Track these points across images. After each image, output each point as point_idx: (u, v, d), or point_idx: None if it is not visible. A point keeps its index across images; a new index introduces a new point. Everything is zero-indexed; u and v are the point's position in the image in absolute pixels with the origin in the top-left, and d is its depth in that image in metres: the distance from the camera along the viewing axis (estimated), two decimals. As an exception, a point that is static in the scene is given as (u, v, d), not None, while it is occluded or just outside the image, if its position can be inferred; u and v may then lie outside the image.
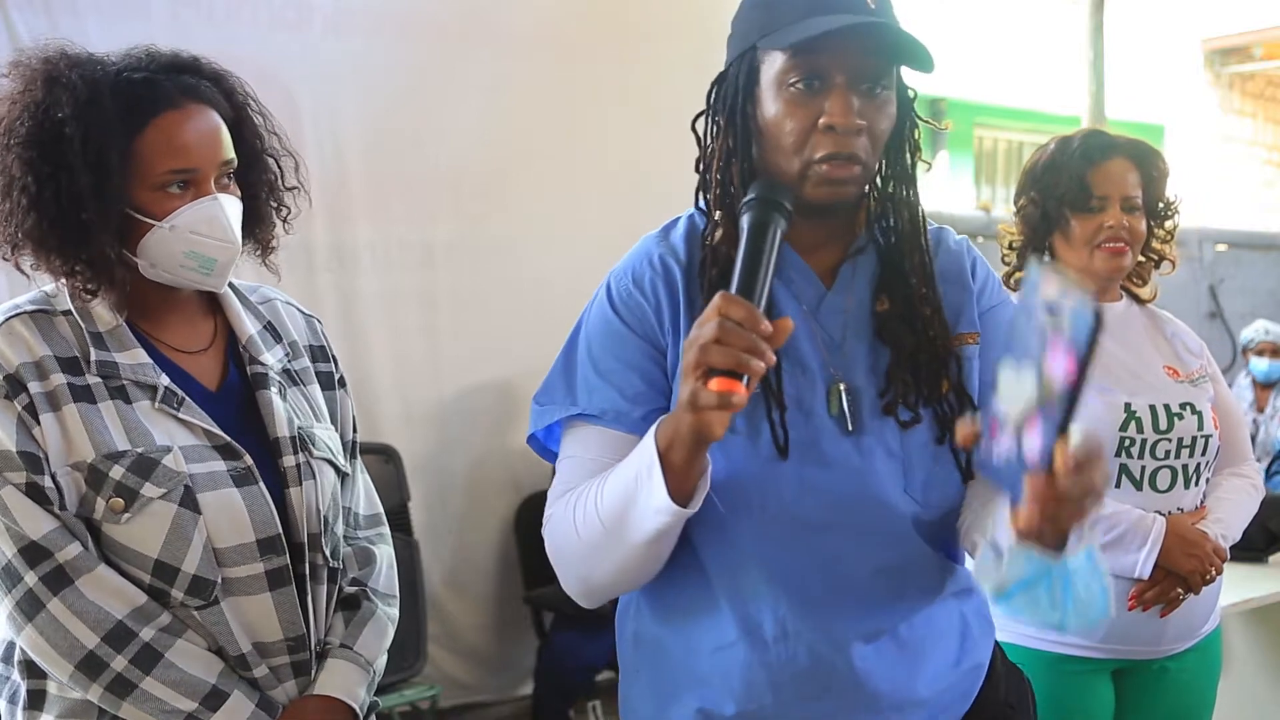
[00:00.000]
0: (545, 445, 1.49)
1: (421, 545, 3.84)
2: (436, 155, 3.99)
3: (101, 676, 1.40)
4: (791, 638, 1.32)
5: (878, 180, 1.40)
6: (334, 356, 1.71)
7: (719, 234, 1.36)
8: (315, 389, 1.65)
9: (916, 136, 1.40)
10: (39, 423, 1.41)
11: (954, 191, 9.50)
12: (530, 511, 4.15)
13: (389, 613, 1.66)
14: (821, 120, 1.27)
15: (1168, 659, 2.14)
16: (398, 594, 1.70)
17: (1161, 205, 2.21)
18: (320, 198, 3.70)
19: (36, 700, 1.46)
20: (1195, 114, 10.02)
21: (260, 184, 1.58)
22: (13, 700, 1.49)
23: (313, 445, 1.57)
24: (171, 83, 1.47)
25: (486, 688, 4.19)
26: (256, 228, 1.60)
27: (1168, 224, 2.24)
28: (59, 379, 1.43)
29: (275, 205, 1.61)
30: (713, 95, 1.38)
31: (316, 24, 3.76)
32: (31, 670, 1.46)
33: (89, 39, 3.46)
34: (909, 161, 1.40)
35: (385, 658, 1.64)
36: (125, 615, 1.41)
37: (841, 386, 1.33)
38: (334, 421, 1.66)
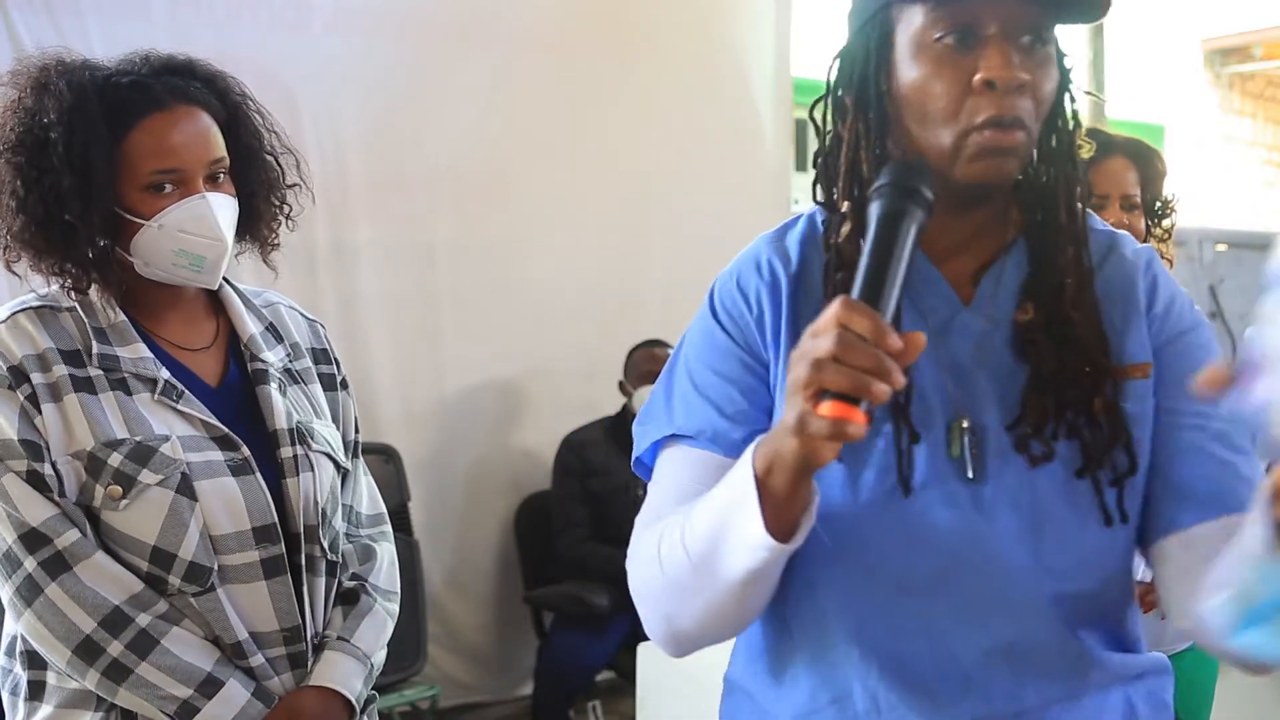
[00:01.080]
0: (651, 469, 1.26)
1: (422, 545, 3.84)
2: (436, 155, 3.99)
3: (98, 661, 1.43)
4: (885, 713, 1.12)
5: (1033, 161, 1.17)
6: (336, 360, 1.74)
7: (846, 229, 1.15)
8: (316, 388, 1.67)
9: (1076, 111, 1.18)
10: (40, 412, 1.45)
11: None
12: (530, 512, 4.15)
13: (388, 608, 1.67)
14: (978, 76, 1.06)
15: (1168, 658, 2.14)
16: (398, 591, 1.71)
17: (1159, 204, 2.22)
18: (320, 198, 3.68)
19: (36, 691, 1.49)
20: (1195, 114, 10.02)
21: (258, 182, 1.61)
22: (14, 692, 1.52)
23: (311, 439, 1.59)
24: (160, 85, 1.51)
25: (486, 688, 4.19)
26: (255, 226, 1.63)
27: (1165, 222, 2.24)
28: (61, 370, 1.47)
29: (277, 203, 1.64)
30: (833, 73, 1.18)
31: (316, 24, 3.76)
32: (32, 661, 1.49)
33: (89, 39, 3.50)
34: (1069, 138, 1.16)
35: (384, 653, 1.66)
36: (122, 601, 1.44)
37: (964, 424, 1.12)
38: (336, 421, 1.69)
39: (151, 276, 1.53)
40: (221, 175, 1.54)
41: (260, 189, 1.61)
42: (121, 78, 1.51)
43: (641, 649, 2.67)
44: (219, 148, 1.53)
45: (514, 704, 4.20)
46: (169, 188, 1.49)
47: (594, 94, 4.30)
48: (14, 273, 1.53)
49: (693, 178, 4.57)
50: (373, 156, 3.89)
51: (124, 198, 1.48)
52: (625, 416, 3.99)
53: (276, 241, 1.66)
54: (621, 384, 4.01)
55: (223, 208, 1.53)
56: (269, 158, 1.62)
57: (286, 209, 1.65)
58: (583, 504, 3.88)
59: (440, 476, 4.07)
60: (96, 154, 1.45)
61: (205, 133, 1.52)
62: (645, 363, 3.97)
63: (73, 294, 1.51)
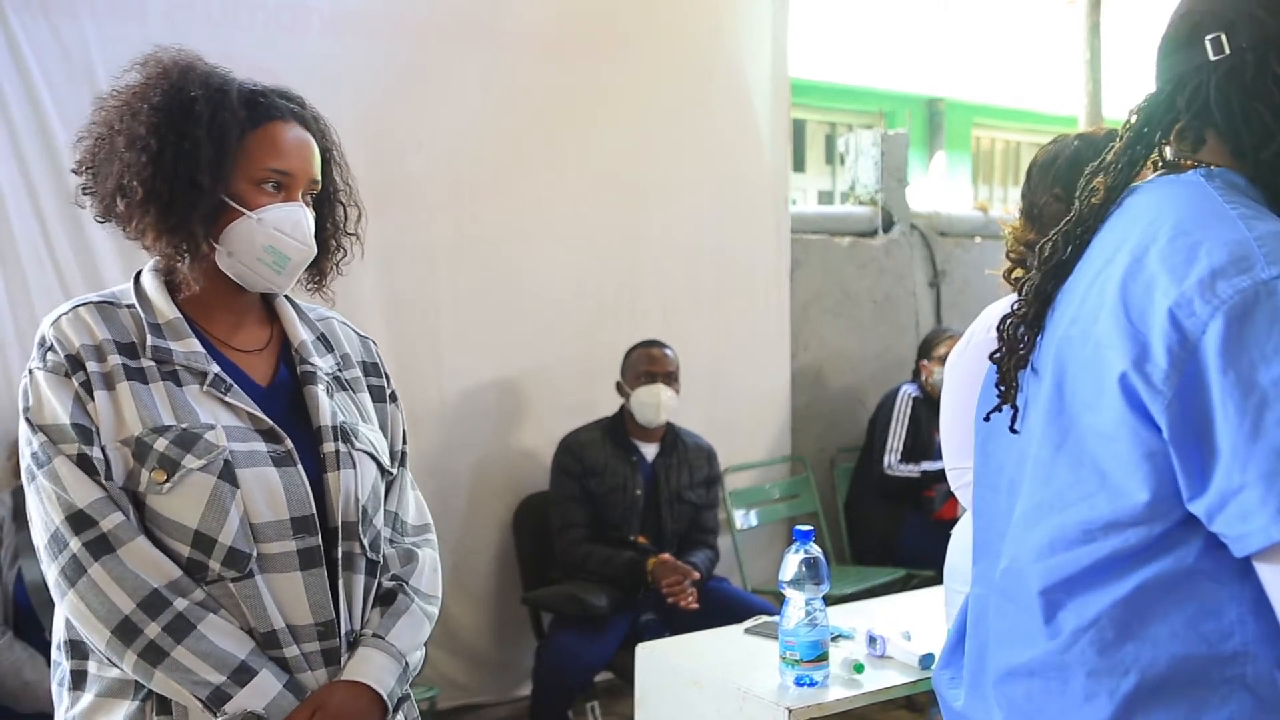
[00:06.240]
0: None
1: (420, 546, 3.84)
2: (434, 157, 3.99)
3: (136, 642, 1.47)
4: None
5: None
6: (387, 374, 1.82)
7: None
8: (365, 398, 1.75)
9: None
10: (93, 399, 1.51)
11: (951, 191, 9.50)
12: (529, 512, 4.16)
13: (427, 610, 1.71)
14: None
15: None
16: (439, 596, 1.76)
17: None
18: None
19: (78, 680, 1.55)
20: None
21: (328, 221, 1.72)
22: (60, 683, 1.58)
23: (355, 438, 1.65)
24: (285, 102, 1.65)
25: (485, 689, 4.19)
26: (320, 260, 1.73)
27: None
28: (115, 360, 1.53)
29: (336, 245, 1.75)
30: None
31: (314, 25, 3.76)
32: (74, 651, 1.55)
33: (86, 41, 3.49)
34: None
35: (421, 653, 1.70)
36: (162, 585, 1.48)
37: None
38: (384, 431, 1.76)
39: (228, 269, 1.60)
40: (310, 199, 1.66)
41: (330, 228, 1.72)
42: (252, 86, 1.64)
43: (640, 649, 2.66)
44: (319, 171, 1.66)
45: (512, 705, 4.20)
46: (274, 188, 1.60)
47: (592, 95, 4.30)
48: (118, 216, 1.58)
49: (690, 179, 4.57)
50: (370, 159, 3.88)
51: (233, 186, 1.58)
52: (623, 417, 3.99)
53: (330, 280, 1.77)
54: (619, 385, 4.02)
55: (311, 222, 1.65)
56: (340, 205, 1.74)
57: (341, 254, 1.76)
58: (581, 505, 3.88)
59: (439, 477, 4.07)
60: (232, 134, 1.56)
61: (313, 154, 1.65)
62: (643, 363, 3.97)
63: (171, 255, 1.57)
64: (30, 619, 2.81)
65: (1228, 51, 1.17)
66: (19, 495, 2.95)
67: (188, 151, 1.54)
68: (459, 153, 4.04)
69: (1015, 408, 1.30)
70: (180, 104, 1.55)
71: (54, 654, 1.59)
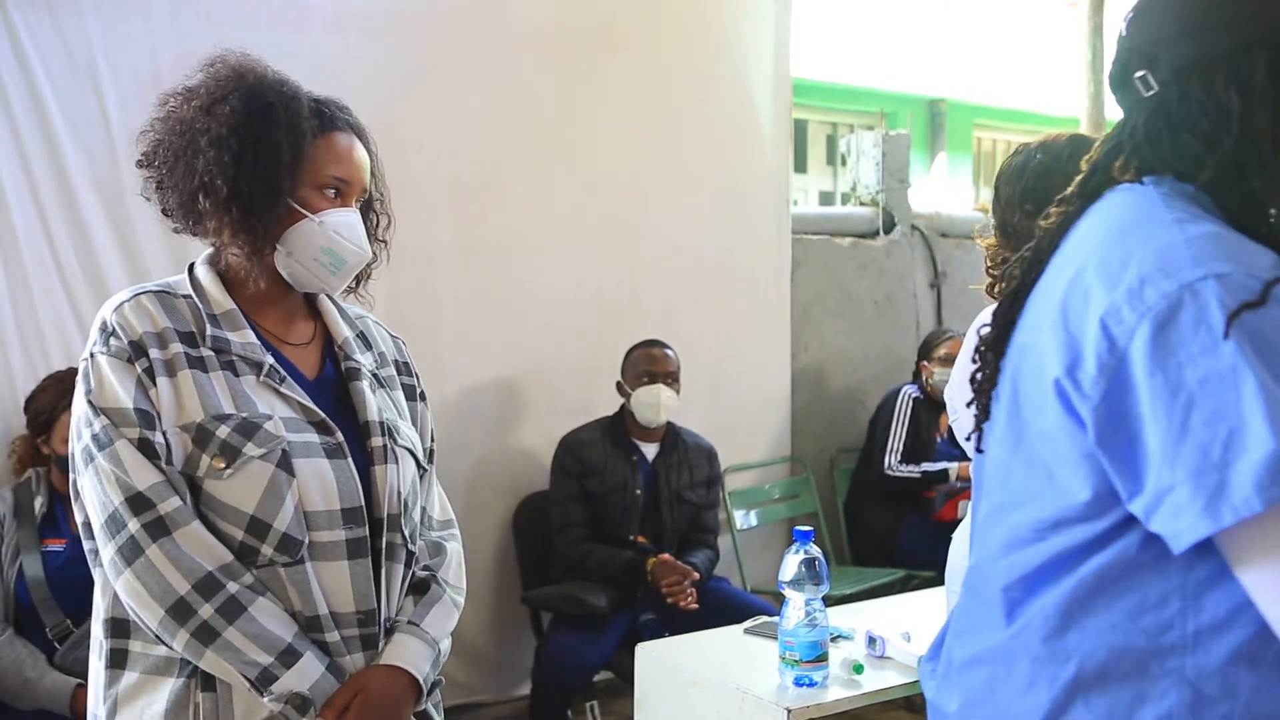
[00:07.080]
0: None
1: (420, 545, 3.85)
2: (436, 156, 3.99)
3: (189, 622, 1.52)
4: None
5: None
6: (416, 374, 1.90)
7: None
8: (399, 395, 1.83)
9: None
10: (155, 385, 1.57)
11: (952, 192, 9.50)
12: (528, 512, 4.16)
13: (456, 599, 1.79)
14: None
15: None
16: (464, 586, 1.83)
17: None
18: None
19: (119, 659, 1.59)
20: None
21: (368, 226, 1.79)
22: (102, 661, 1.61)
23: (397, 434, 1.74)
24: (344, 115, 1.75)
25: (485, 688, 4.19)
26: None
27: None
28: (177, 348, 1.60)
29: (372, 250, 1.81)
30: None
31: (317, 24, 3.76)
32: (114, 629, 1.60)
33: (89, 38, 3.49)
34: None
35: (449, 641, 1.75)
36: (215, 568, 1.54)
37: None
38: (415, 428, 1.83)
39: (284, 268, 1.67)
40: (360, 206, 1.74)
41: (369, 234, 1.79)
42: (310, 94, 1.71)
43: (639, 649, 2.66)
44: (368, 182, 1.74)
45: (512, 704, 4.20)
46: (334, 194, 1.68)
47: (593, 95, 4.30)
48: (190, 215, 1.64)
49: (692, 179, 4.57)
50: (372, 157, 3.89)
51: (299, 190, 1.65)
52: (623, 417, 4.00)
53: (365, 285, 1.85)
54: (619, 384, 4.02)
55: (363, 228, 1.73)
56: (376, 214, 1.82)
57: (374, 259, 1.81)
58: (581, 504, 3.88)
59: (440, 477, 4.04)
60: (306, 140, 1.65)
61: (367, 165, 1.74)
62: (643, 363, 3.97)
63: (249, 253, 1.63)
64: (31, 616, 2.81)
65: (1156, 88, 1.20)
66: (20, 491, 2.95)
67: (267, 155, 1.61)
68: (459, 153, 4.03)
69: (981, 430, 1.35)
70: (259, 107, 1.62)
71: (95, 631, 1.62)
